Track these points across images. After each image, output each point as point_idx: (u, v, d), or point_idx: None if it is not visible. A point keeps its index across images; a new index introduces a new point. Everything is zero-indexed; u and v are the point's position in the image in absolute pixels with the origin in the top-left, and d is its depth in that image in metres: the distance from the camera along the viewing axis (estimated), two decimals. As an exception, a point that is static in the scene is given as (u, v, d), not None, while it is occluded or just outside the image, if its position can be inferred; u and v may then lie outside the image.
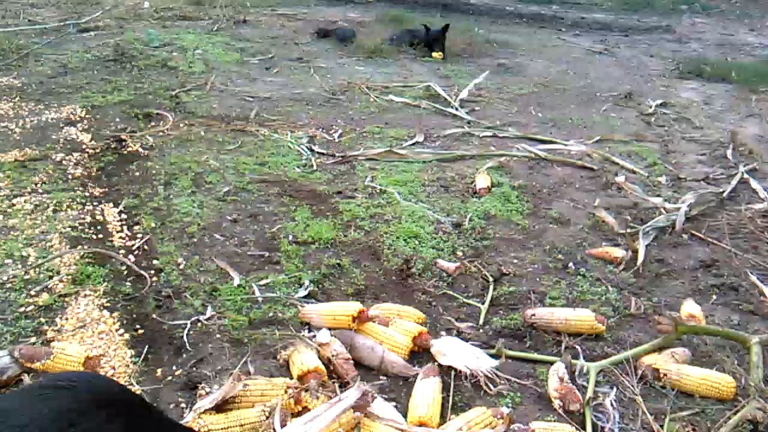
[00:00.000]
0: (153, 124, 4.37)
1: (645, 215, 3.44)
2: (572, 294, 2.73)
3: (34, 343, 2.21)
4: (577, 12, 11.64)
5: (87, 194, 3.34)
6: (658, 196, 3.68)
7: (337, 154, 4.01)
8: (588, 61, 7.38)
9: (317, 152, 4.05)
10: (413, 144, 4.29)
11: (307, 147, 4.10)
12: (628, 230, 3.19)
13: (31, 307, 2.42)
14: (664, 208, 3.47)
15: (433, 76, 6.13)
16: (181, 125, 4.35)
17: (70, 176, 3.53)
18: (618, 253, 3.01)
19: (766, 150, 4.57)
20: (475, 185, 3.63)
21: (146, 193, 3.38)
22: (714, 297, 2.78)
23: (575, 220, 3.36)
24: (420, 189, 3.59)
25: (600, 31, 9.68)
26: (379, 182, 3.64)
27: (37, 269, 2.64)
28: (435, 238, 3.09)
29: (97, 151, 3.86)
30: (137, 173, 3.62)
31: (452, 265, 2.85)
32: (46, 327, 2.32)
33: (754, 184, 3.88)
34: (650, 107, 5.44)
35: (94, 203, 3.25)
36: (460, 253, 2.99)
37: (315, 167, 3.82)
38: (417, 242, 3.04)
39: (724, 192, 3.74)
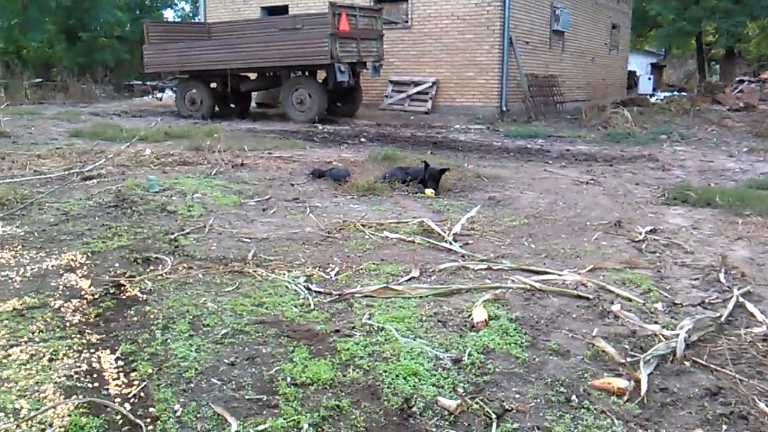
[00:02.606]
0: (152, 268, 4.42)
1: (644, 343, 3.42)
2: (577, 429, 2.66)
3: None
4: (561, 144, 12.16)
5: (84, 341, 3.32)
6: (656, 323, 3.68)
7: (334, 293, 4.04)
8: (576, 191, 7.61)
9: (314, 291, 4.08)
10: (409, 280, 4.33)
11: (304, 286, 4.13)
12: (629, 359, 3.16)
13: (22, 463, 2.36)
14: (663, 335, 3.46)
15: (426, 212, 6.30)
16: (180, 268, 4.40)
17: (67, 323, 3.53)
18: (621, 383, 2.96)
19: (758, 272, 4.63)
20: (472, 319, 3.64)
21: (144, 338, 3.36)
22: (724, 427, 2.71)
23: (575, 351, 3.33)
24: (418, 325, 3.59)
25: (585, 161, 10.05)
26: (376, 319, 3.64)
27: (29, 422, 2.58)
28: (435, 375, 3.05)
29: (96, 297, 3.89)
30: (135, 318, 3.62)
31: (453, 402, 2.79)
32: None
33: (750, 307, 3.89)
34: (640, 234, 5.55)
35: (91, 350, 3.23)
36: (461, 390, 2.94)
37: (312, 306, 3.84)
38: (417, 380, 3.00)
39: (721, 317, 3.74)
